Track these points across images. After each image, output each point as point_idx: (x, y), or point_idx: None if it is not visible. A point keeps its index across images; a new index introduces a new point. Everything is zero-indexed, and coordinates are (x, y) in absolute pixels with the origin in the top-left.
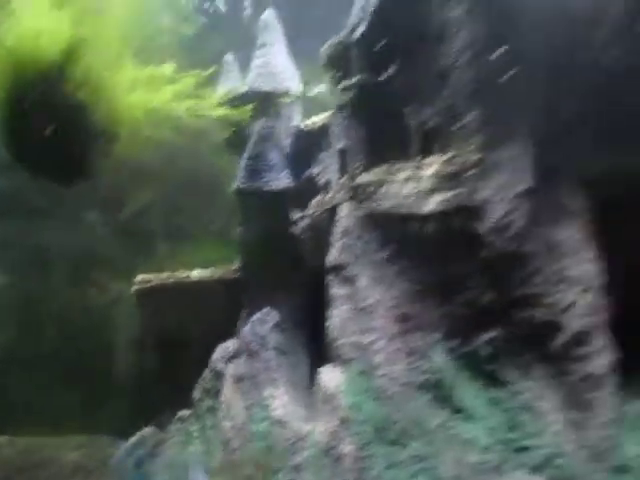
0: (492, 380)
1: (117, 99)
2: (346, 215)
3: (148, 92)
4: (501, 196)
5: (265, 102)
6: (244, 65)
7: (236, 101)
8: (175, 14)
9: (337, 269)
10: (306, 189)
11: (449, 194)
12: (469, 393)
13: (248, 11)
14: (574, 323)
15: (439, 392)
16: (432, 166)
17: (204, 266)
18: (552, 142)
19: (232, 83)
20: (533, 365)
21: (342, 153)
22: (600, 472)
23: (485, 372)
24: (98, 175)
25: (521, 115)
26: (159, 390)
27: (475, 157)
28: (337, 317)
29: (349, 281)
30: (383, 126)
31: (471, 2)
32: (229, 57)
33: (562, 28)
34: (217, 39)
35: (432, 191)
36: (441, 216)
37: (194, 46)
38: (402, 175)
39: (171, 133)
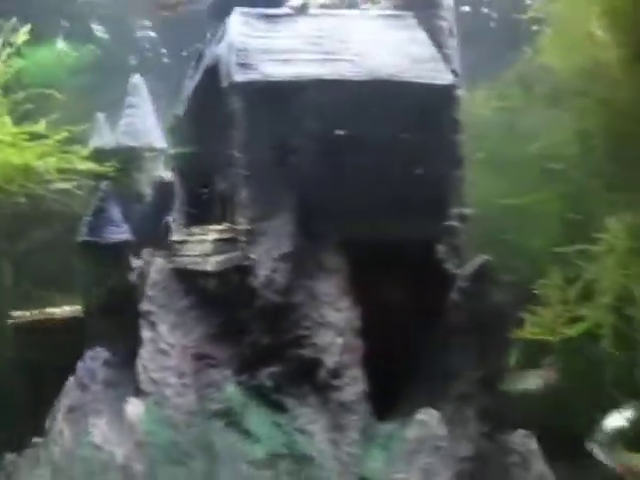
0: (275, 407)
1: None
2: (158, 267)
3: (18, 149)
4: (266, 258)
5: (131, 157)
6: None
7: (104, 156)
8: (64, 70)
9: (145, 315)
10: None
11: (225, 256)
12: (256, 419)
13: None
14: (332, 360)
15: (230, 419)
16: (213, 233)
17: None
18: (313, 214)
19: (102, 140)
20: (307, 394)
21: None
22: None
23: (270, 401)
24: None
25: (285, 194)
26: (26, 417)
27: (246, 227)
28: (143, 357)
29: (153, 326)
30: (198, 192)
31: (242, 100)
32: (100, 115)
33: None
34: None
35: (212, 253)
36: (220, 273)
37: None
38: (196, 237)
39: (39, 187)
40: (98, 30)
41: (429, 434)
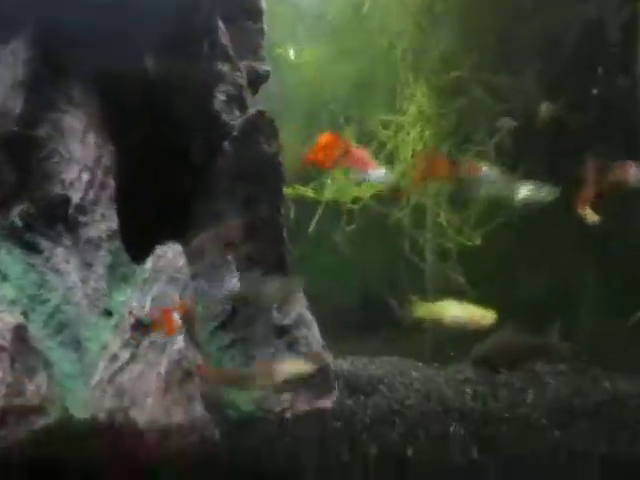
0: (29, 248)
1: None
2: None
3: None
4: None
5: None
6: None
7: None
8: None
9: None
10: None
11: None
12: (8, 259)
13: None
14: (77, 196)
15: None
16: None
17: None
18: (59, 45)
19: None
20: (61, 234)
21: None
22: (95, 315)
23: (24, 242)
24: None
25: (22, 17)
26: None
27: None
28: None
29: None
30: None
31: None
32: None
33: None
34: None
35: None
36: None
37: None
38: None
39: None
40: None
41: (166, 265)
